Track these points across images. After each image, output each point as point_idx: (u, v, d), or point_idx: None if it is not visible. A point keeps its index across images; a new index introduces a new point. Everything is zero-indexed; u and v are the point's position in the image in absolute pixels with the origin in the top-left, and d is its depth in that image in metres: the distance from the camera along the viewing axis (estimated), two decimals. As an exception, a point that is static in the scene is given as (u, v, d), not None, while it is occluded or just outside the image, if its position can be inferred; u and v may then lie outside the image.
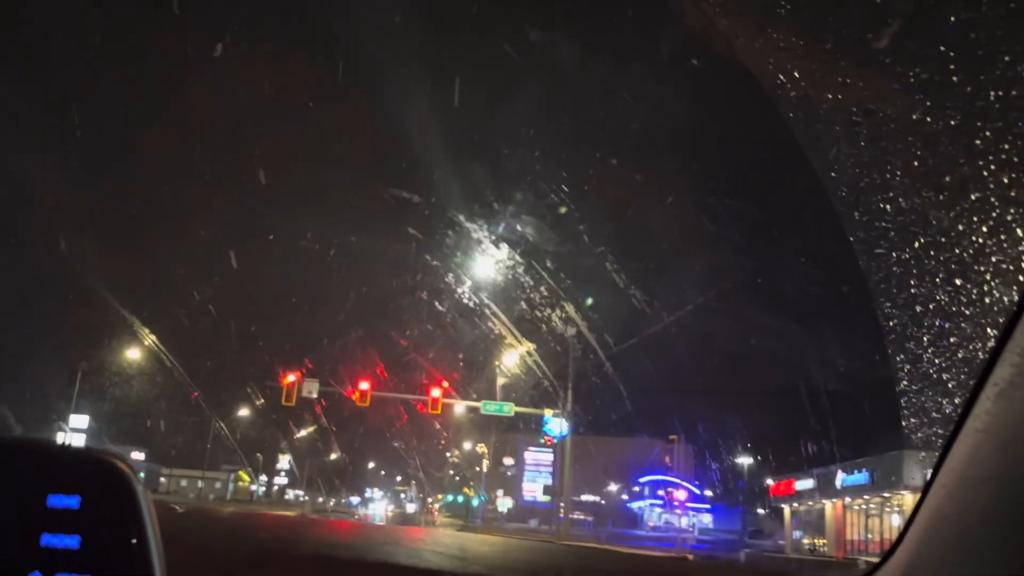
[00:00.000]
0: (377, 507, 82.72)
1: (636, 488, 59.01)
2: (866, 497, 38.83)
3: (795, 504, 47.13)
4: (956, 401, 3.22)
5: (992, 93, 2.88)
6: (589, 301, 35.44)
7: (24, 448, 1.47)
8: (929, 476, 2.32)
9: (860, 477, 38.84)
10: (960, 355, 3.12)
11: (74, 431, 42.17)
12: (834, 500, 41.96)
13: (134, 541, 1.35)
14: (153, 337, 44.49)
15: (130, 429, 65.22)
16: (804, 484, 45.45)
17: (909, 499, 34.26)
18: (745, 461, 54.17)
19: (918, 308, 3.36)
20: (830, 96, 3.67)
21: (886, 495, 36.77)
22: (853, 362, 38.55)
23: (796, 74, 3.82)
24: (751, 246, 48.27)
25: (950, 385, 3.24)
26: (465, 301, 36.42)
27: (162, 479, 79.32)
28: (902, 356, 3.51)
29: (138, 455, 73.27)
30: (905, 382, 3.50)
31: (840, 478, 40.79)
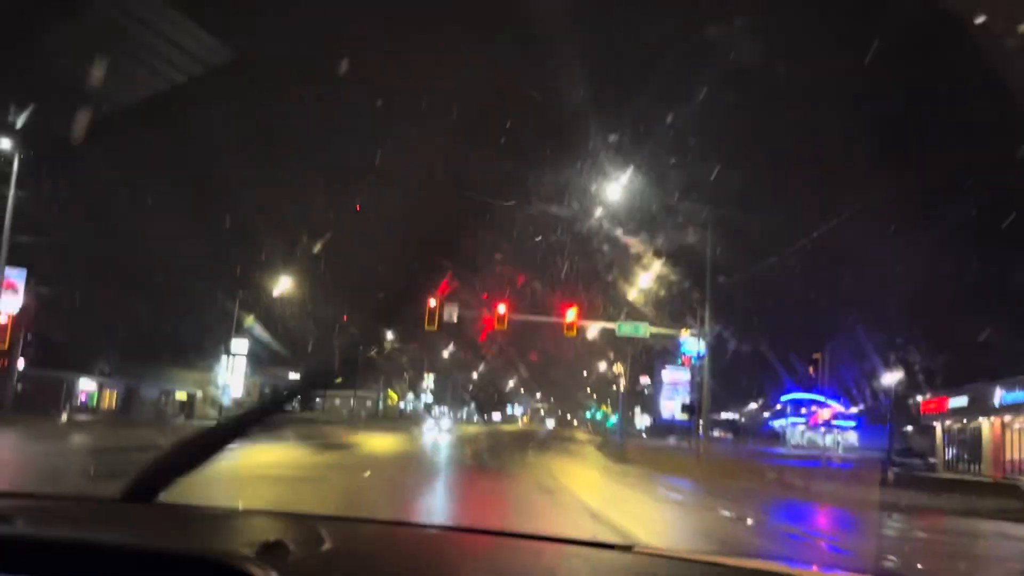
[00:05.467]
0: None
1: (778, 407, 58.16)
2: (1028, 416, 36.92)
3: (948, 422, 45.28)
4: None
5: None
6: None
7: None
8: None
9: (1022, 395, 36.92)
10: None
11: (235, 355, 45.28)
12: (992, 418, 40.09)
13: None
14: (304, 264, 46.76)
15: (285, 351, 68.96)
16: (958, 401, 43.56)
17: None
18: (894, 376, 52.25)
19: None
20: None
21: (1051, 413, 34.90)
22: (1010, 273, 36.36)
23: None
24: (908, 154, 45.36)
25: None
26: (599, 219, 36.08)
27: (317, 399, 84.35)
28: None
29: (294, 375, 78.05)
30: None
31: (999, 395, 38.88)
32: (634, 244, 36.35)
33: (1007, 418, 38.77)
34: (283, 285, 47.27)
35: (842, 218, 40.49)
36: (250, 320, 48.96)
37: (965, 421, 43.28)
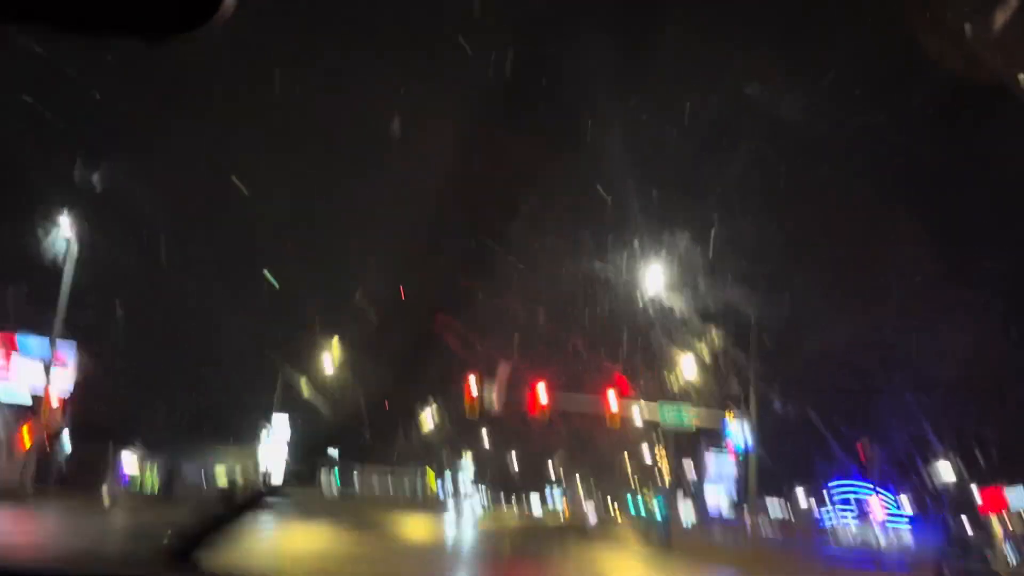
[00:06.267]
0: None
1: (826, 497, 56.47)
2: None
3: (1007, 516, 43.55)
4: None
5: None
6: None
7: None
8: None
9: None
10: None
11: (277, 434, 45.35)
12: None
13: None
14: (345, 342, 47.05)
15: (326, 426, 68.98)
16: (1016, 494, 42.06)
17: None
18: (948, 466, 50.52)
19: None
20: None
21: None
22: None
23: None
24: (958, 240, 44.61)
25: None
26: (643, 306, 35.92)
27: (355, 473, 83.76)
28: None
29: (332, 451, 77.78)
30: None
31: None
32: (680, 324, 36.07)
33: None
34: (327, 364, 47.54)
35: (891, 302, 39.90)
36: (303, 383, 48.99)
37: (1025, 516, 41.66)
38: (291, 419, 50.58)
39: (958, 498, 49.93)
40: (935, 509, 52.22)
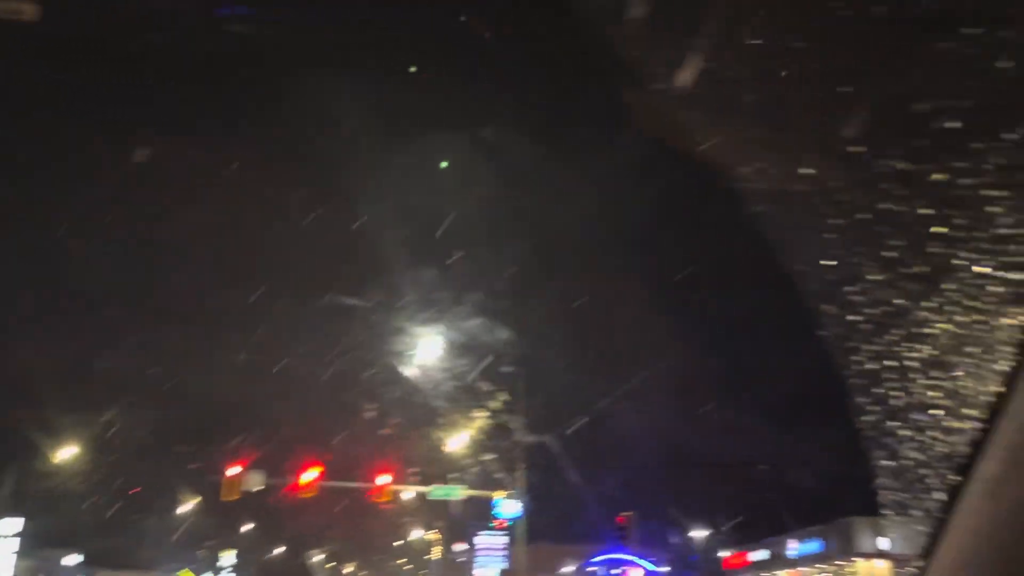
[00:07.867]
0: None
1: (591, 569, 58.03)
2: (820, 566, 38.64)
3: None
4: (935, 497, 3.09)
5: (965, 181, 2.84)
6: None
7: None
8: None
9: (813, 546, 38.73)
10: (939, 449, 3.01)
11: (7, 537, 39.96)
12: (788, 570, 41.64)
13: None
14: (89, 435, 42.75)
15: (68, 530, 62.13)
16: (758, 555, 45.08)
17: (863, 565, 34.26)
18: (701, 533, 53.66)
19: (891, 403, 3.28)
20: (800, 189, 3.62)
21: (839, 563, 36.65)
22: (816, 438, 38.63)
23: (762, 166, 3.77)
24: (712, 335, 48.27)
25: (929, 482, 3.11)
26: (411, 386, 35.76)
27: (96, 579, 75.56)
28: (880, 452, 3.39)
29: (76, 557, 69.65)
30: (883, 479, 3.38)
31: (793, 547, 40.57)
32: (451, 408, 36.23)
33: (803, 569, 40.45)
34: (67, 453, 42.81)
35: (642, 379, 42.27)
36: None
37: (766, 575, 44.73)
38: (25, 520, 45.02)
39: (711, 561, 53.09)
40: (690, 573, 55.13)
